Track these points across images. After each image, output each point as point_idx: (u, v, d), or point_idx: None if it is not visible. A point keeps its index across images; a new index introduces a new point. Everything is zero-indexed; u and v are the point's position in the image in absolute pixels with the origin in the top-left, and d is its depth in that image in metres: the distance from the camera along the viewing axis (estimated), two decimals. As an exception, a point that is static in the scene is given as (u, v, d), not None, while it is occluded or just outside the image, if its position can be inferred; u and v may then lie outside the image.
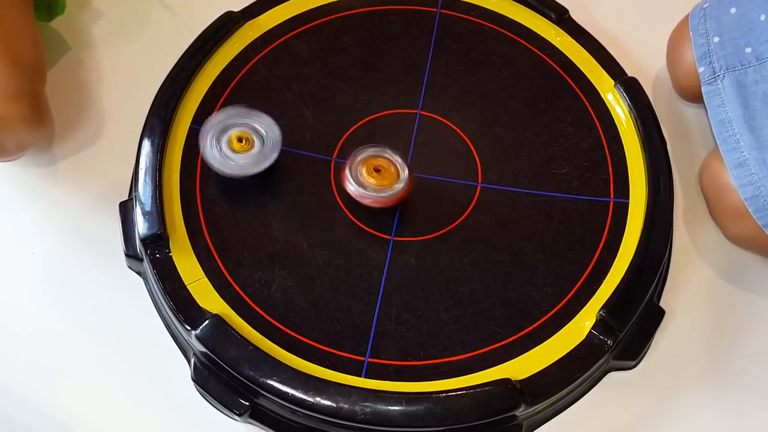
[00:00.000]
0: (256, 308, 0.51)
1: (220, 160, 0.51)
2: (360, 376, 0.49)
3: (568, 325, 0.51)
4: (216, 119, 0.52)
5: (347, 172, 0.52)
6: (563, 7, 0.64)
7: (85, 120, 0.60)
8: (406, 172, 0.53)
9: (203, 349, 0.48)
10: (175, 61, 0.58)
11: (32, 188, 0.58)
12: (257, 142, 0.52)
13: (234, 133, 0.52)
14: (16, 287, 0.55)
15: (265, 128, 0.53)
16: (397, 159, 0.53)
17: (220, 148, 0.51)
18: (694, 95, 0.60)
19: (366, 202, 0.52)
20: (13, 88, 0.52)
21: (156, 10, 0.66)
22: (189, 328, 0.49)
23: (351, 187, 0.52)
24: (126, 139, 0.59)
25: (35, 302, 0.54)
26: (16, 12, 0.55)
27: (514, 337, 0.51)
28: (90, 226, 0.56)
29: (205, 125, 0.52)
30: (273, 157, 0.52)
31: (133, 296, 0.54)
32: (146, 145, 0.55)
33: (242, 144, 0.52)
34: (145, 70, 0.61)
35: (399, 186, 0.52)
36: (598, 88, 0.61)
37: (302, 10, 0.63)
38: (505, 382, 0.48)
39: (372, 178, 0.52)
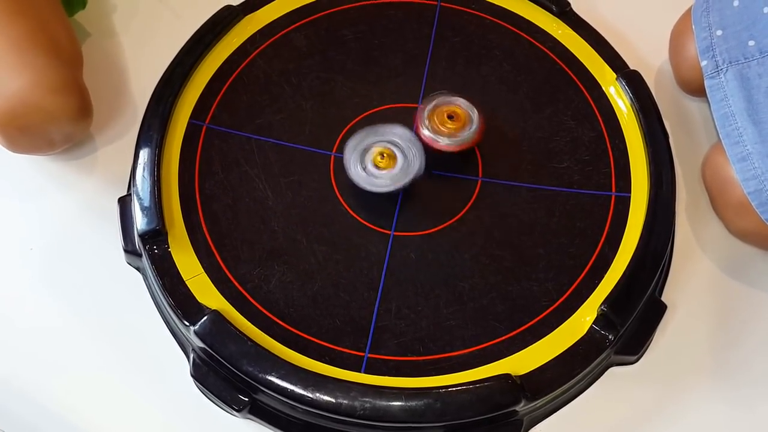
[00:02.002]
0: (256, 304, 0.50)
1: (367, 179, 0.52)
2: (359, 371, 0.49)
3: (569, 320, 0.51)
4: (355, 140, 0.53)
5: (422, 121, 0.54)
6: (565, -1, 0.63)
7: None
8: (477, 114, 0.55)
9: (202, 345, 0.48)
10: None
11: (29, 185, 0.58)
12: (400, 157, 0.53)
13: (376, 149, 0.53)
14: (15, 284, 0.54)
15: (404, 141, 0.53)
16: (467, 104, 0.55)
17: (365, 167, 0.52)
18: (696, 89, 0.60)
19: (441, 147, 0.54)
20: (59, 82, 0.52)
21: (158, 5, 0.66)
22: (188, 323, 0.49)
23: (426, 134, 0.54)
24: (126, 135, 0.59)
25: (34, 299, 0.54)
26: (50, 5, 0.55)
27: (515, 332, 0.50)
28: (88, 222, 0.56)
29: (346, 146, 0.53)
30: (417, 166, 0.52)
31: (132, 292, 0.54)
32: (144, 140, 0.54)
33: (385, 160, 0.52)
34: (145, 65, 0.61)
35: (473, 128, 0.54)
36: (599, 81, 0.60)
37: (301, 4, 0.62)
38: (506, 377, 0.48)
39: (446, 125, 0.54)
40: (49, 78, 0.52)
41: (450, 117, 0.54)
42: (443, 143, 0.54)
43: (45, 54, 0.52)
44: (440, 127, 0.54)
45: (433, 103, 0.55)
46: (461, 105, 0.55)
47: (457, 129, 0.54)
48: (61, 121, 0.53)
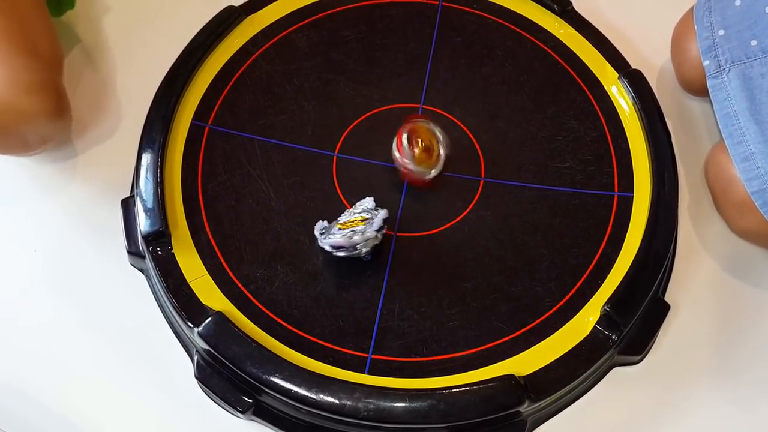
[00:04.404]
0: (259, 305, 0.51)
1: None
2: (363, 372, 0.49)
3: (572, 320, 0.51)
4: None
5: (403, 142, 0.53)
6: (566, -2, 0.63)
7: (83, 117, 0.60)
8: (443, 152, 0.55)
9: (206, 347, 0.48)
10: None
11: (31, 186, 0.58)
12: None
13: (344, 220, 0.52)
14: (19, 286, 0.54)
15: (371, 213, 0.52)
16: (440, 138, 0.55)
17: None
18: (699, 88, 0.60)
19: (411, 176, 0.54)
20: (35, 82, 0.51)
21: (159, 5, 0.66)
22: (191, 325, 0.49)
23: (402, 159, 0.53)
24: (127, 136, 0.59)
25: (38, 301, 0.54)
26: (31, 4, 0.54)
27: (518, 333, 0.50)
28: (91, 223, 0.56)
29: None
30: (372, 233, 0.50)
31: (136, 294, 0.54)
32: (147, 141, 0.54)
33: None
34: (148, 66, 0.61)
35: (439, 165, 0.54)
36: (601, 81, 0.60)
37: (303, 4, 0.62)
38: (509, 378, 0.48)
39: (422, 154, 0.53)
40: (24, 78, 0.51)
41: (426, 149, 0.54)
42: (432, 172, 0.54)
43: (21, 53, 0.51)
44: (423, 158, 0.54)
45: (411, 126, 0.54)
46: (429, 130, 0.54)
47: (434, 155, 0.54)
48: (36, 121, 0.52)
